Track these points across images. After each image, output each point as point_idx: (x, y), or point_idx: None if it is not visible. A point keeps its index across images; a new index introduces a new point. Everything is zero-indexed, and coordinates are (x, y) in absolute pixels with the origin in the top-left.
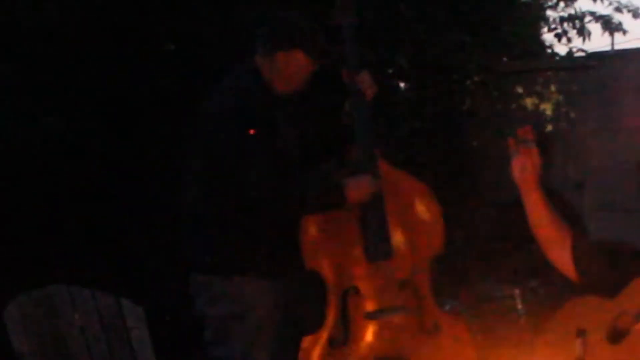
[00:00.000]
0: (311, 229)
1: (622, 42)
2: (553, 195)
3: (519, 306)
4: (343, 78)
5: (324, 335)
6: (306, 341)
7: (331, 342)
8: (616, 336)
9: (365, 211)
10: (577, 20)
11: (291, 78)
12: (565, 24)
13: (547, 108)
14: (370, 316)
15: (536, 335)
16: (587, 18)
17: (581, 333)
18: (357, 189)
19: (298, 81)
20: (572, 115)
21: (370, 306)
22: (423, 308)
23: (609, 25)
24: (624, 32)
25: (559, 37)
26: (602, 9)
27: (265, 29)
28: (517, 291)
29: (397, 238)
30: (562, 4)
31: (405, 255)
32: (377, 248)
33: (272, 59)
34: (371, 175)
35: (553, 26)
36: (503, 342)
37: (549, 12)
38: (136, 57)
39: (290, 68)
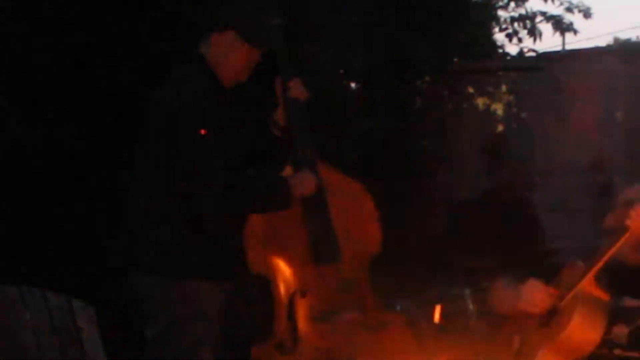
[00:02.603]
0: (256, 234)
1: (573, 42)
2: (524, 207)
3: (470, 307)
4: (275, 86)
5: (272, 341)
6: (255, 349)
7: (280, 348)
8: (545, 320)
9: (311, 214)
10: (528, 21)
11: (232, 65)
12: (516, 24)
13: (498, 108)
14: (320, 318)
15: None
16: (538, 18)
17: (518, 330)
18: (301, 185)
19: (239, 70)
20: (523, 115)
21: (317, 309)
22: (367, 308)
23: (560, 26)
24: (575, 32)
25: (510, 37)
26: (553, 9)
27: (203, 17)
28: (468, 292)
29: (341, 239)
30: (513, 4)
31: (349, 256)
32: (327, 251)
33: (211, 44)
34: (311, 172)
35: (504, 26)
36: (454, 342)
37: (500, 12)
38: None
39: (228, 52)
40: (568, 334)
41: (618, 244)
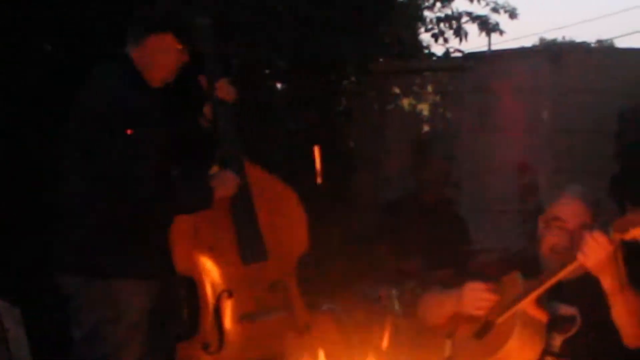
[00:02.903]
0: (183, 234)
1: (499, 43)
2: (448, 207)
3: (397, 307)
4: (202, 84)
5: (198, 340)
6: (181, 348)
7: (206, 347)
8: (480, 331)
9: (237, 213)
10: (454, 21)
11: (163, 66)
12: (442, 25)
13: (424, 108)
14: (246, 318)
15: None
16: (464, 18)
17: (449, 334)
18: (222, 184)
19: (169, 71)
20: (449, 115)
21: (243, 309)
22: (294, 308)
23: (486, 26)
24: (501, 32)
25: (435, 37)
26: (479, 10)
27: (134, 17)
28: (394, 292)
29: (268, 239)
30: (438, 5)
31: (276, 256)
32: (253, 250)
33: (144, 45)
34: (235, 172)
35: (430, 26)
36: (380, 342)
37: (426, 13)
38: (13, 58)
39: (161, 54)
40: (505, 355)
41: (564, 272)
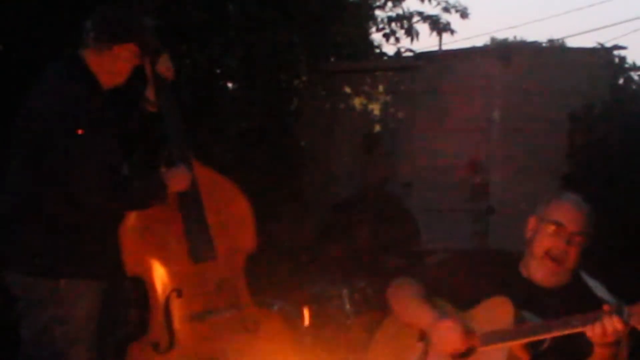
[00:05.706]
0: (131, 234)
1: (450, 42)
2: (392, 201)
3: (347, 306)
4: (145, 68)
5: (148, 340)
6: (132, 348)
7: (156, 347)
8: (461, 355)
9: (186, 212)
10: (405, 20)
11: (121, 72)
12: (393, 24)
13: (375, 108)
14: (197, 318)
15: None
16: (415, 18)
17: (422, 337)
18: (175, 180)
19: (125, 75)
20: (400, 115)
21: (193, 308)
22: (243, 307)
23: (437, 26)
24: (452, 32)
25: (387, 37)
26: (430, 9)
27: (97, 22)
28: (345, 291)
29: (216, 238)
30: (390, 4)
31: (224, 255)
32: (203, 249)
33: (107, 53)
34: (186, 166)
35: (381, 26)
36: (332, 341)
37: (377, 12)
38: None
39: (123, 61)
40: None
41: (567, 331)
